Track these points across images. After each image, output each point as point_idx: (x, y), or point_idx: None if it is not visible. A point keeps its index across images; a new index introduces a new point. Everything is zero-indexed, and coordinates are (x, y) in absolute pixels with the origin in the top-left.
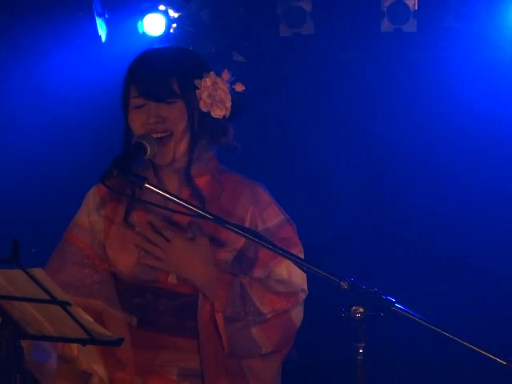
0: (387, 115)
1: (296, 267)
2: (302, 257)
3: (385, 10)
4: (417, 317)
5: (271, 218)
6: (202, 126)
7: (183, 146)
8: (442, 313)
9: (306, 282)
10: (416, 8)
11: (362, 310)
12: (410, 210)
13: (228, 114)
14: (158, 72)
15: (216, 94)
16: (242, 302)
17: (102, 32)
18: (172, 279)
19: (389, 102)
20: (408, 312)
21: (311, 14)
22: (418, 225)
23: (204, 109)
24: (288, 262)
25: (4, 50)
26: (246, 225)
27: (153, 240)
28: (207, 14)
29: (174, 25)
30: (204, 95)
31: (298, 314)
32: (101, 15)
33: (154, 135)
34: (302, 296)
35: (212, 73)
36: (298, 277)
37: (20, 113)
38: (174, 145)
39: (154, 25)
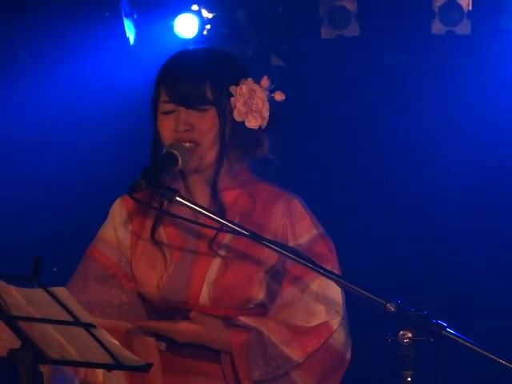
0: (438, 123)
1: (329, 281)
2: None
3: (436, 10)
4: (470, 342)
5: (303, 232)
6: (234, 137)
7: (211, 157)
8: (496, 338)
9: (342, 299)
10: (470, 8)
11: (410, 334)
12: (462, 233)
13: (264, 124)
14: (191, 76)
15: (252, 103)
16: (266, 361)
17: (131, 34)
18: (203, 300)
19: (439, 109)
20: (460, 337)
21: (356, 14)
22: (468, 249)
23: (238, 118)
24: (321, 278)
25: (28, 53)
26: (278, 239)
27: (157, 330)
28: (243, 14)
29: (208, 26)
30: (239, 103)
31: (338, 339)
32: (129, 16)
33: (183, 144)
34: (336, 321)
35: (250, 79)
36: (334, 292)
37: (44, 121)
38: (201, 156)
39: (186, 26)
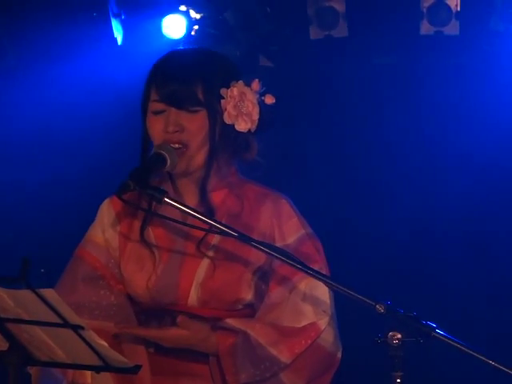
0: (427, 123)
1: (317, 282)
2: None
3: (424, 10)
4: (459, 343)
5: (291, 232)
6: (223, 140)
7: (200, 159)
8: (487, 339)
9: (330, 299)
10: (458, 9)
11: (399, 335)
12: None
13: (254, 127)
14: (183, 75)
15: (243, 106)
16: (253, 363)
17: (118, 34)
18: (192, 301)
19: (428, 110)
20: (450, 338)
21: (344, 15)
22: (461, 250)
23: (228, 121)
24: (309, 278)
25: (15, 54)
26: (266, 239)
27: (144, 337)
28: (231, 14)
29: (196, 26)
30: (229, 106)
31: (327, 339)
32: (117, 16)
33: (171, 145)
34: (323, 322)
35: (240, 82)
36: (321, 292)
37: (32, 121)
38: (189, 157)
39: (174, 26)
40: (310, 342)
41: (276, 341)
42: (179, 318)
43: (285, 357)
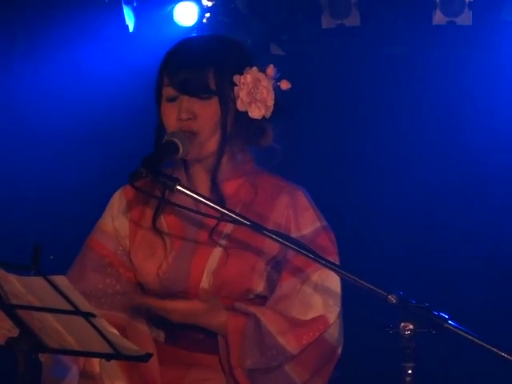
0: (438, 114)
1: (330, 273)
2: None
3: (437, 0)
4: (472, 335)
5: (307, 224)
6: (236, 127)
7: (211, 145)
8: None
9: (340, 292)
10: None
11: (411, 326)
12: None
13: (268, 114)
14: (194, 62)
15: (257, 92)
16: (260, 349)
17: (130, 21)
18: (203, 290)
19: (440, 100)
20: (462, 330)
21: (357, 4)
22: (474, 241)
23: (241, 108)
24: (323, 269)
25: (27, 41)
26: (281, 230)
27: (153, 307)
28: (243, 2)
29: (208, 14)
30: (242, 93)
31: (333, 333)
32: (128, 3)
33: (184, 132)
34: (333, 315)
35: (255, 68)
36: (333, 284)
37: (43, 108)
38: (201, 144)
39: (185, 14)
40: (318, 334)
41: (285, 330)
42: (202, 292)
43: (292, 347)
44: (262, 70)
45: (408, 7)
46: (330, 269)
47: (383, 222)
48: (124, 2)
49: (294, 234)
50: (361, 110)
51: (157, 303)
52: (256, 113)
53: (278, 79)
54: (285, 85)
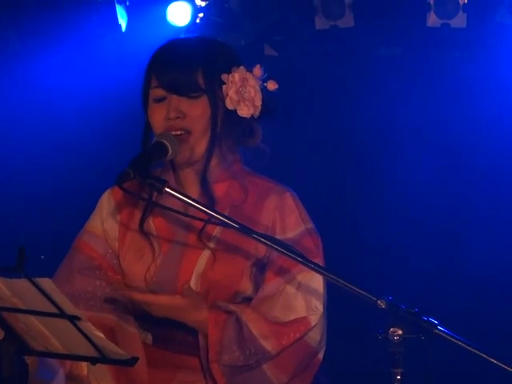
0: (432, 116)
1: (314, 276)
2: None
3: (431, 2)
4: (461, 341)
5: (292, 226)
6: (226, 126)
7: (202, 147)
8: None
9: (323, 295)
10: (466, 1)
11: (400, 332)
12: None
13: (257, 113)
14: (182, 62)
15: (245, 91)
16: (238, 346)
17: (123, 21)
18: None
19: (434, 102)
20: (452, 335)
21: (351, 5)
22: (465, 246)
23: (230, 106)
24: (308, 271)
25: (18, 40)
26: (268, 232)
27: (136, 300)
28: (237, 2)
29: (201, 14)
30: (231, 91)
31: (314, 337)
32: (121, 2)
33: (173, 132)
34: (315, 318)
35: (242, 67)
36: (317, 286)
37: (34, 107)
38: (192, 144)
39: (179, 14)
40: (298, 335)
41: (265, 329)
42: (184, 286)
43: (271, 347)
44: (249, 69)
45: (402, 9)
46: (319, 272)
47: (374, 225)
48: (117, 1)
49: (279, 237)
50: (354, 111)
51: (139, 296)
52: (245, 111)
53: (266, 79)
54: (272, 85)
